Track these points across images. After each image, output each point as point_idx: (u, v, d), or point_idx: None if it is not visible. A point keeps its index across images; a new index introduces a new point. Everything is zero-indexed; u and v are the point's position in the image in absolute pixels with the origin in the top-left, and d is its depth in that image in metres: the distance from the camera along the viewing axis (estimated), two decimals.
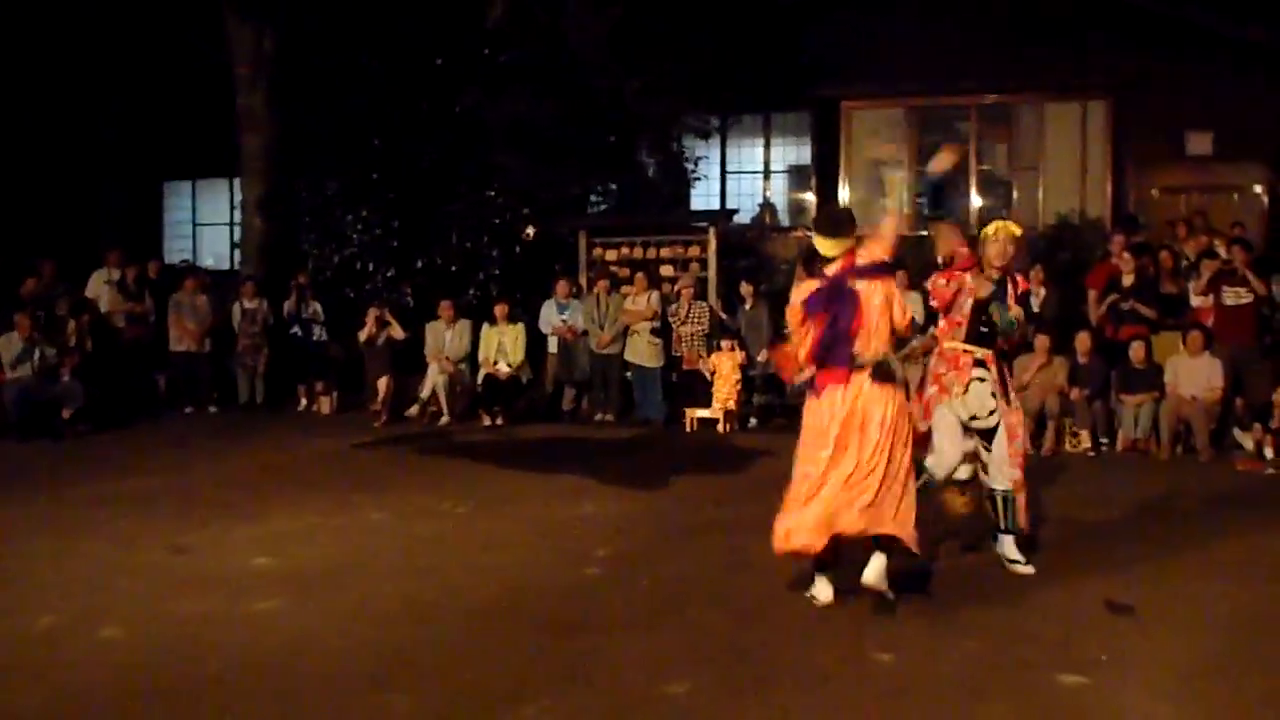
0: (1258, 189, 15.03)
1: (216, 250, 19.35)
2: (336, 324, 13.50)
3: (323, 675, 4.61)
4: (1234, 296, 10.81)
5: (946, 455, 6.04)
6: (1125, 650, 4.88)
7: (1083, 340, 10.92)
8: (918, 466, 5.69)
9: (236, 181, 16.79)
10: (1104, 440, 10.63)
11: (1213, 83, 14.75)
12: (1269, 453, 9.72)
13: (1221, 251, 11.45)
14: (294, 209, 14.92)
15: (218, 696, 4.37)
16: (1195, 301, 11.17)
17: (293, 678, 4.58)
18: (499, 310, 12.59)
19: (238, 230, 17.11)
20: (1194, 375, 10.36)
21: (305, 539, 6.95)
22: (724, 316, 12.66)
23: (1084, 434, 10.59)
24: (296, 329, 13.37)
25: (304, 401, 13.30)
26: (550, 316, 12.83)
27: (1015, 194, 15.84)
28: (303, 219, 14.71)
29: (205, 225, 19.78)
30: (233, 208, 18.15)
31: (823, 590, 5.45)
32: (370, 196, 14.19)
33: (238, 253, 17.01)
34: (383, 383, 12.26)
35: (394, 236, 14.12)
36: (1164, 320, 11.27)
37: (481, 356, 12.49)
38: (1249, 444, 10.01)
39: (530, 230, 14.36)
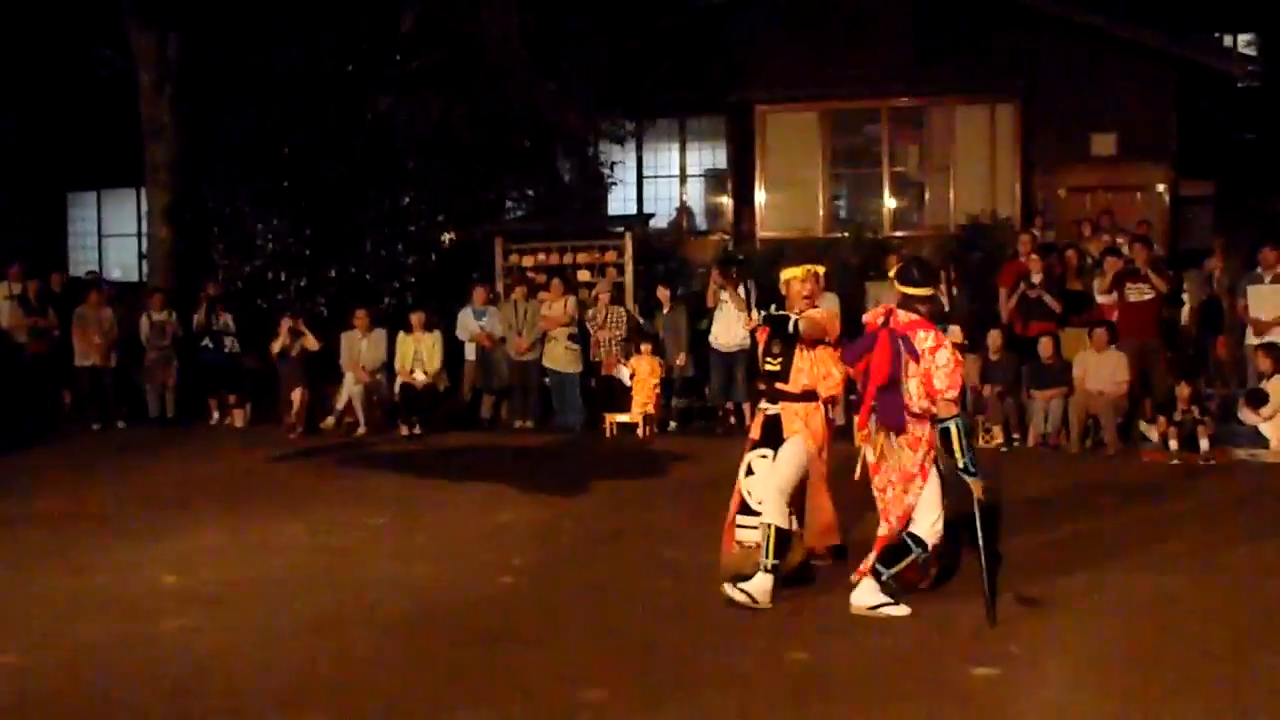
0: (1160, 188, 15.47)
1: (124, 261, 18.89)
2: (249, 336, 13.23)
3: (232, 695, 4.50)
4: (1136, 293, 11.09)
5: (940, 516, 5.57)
6: (1036, 642, 4.96)
7: (994, 338, 11.12)
8: (913, 540, 5.41)
9: (143, 191, 16.39)
10: (1015, 436, 10.84)
11: (1116, 86, 15.18)
12: (1173, 444, 9.98)
13: (1124, 250, 11.75)
14: (203, 219, 14.59)
15: None
16: (1100, 299, 11.44)
17: (200, 699, 4.46)
18: (415, 319, 12.44)
19: (145, 241, 16.70)
20: (1100, 371, 10.59)
21: (216, 556, 6.79)
22: (641, 321, 12.67)
23: (996, 429, 10.78)
24: (207, 341, 13.06)
25: (216, 415, 12.99)
26: (468, 323, 12.72)
27: (927, 195, 16.11)
28: (212, 229, 14.39)
29: (111, 236, 19.32)
30: (140, 218, 17.73)
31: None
32: (281, 205, 13.92)
33: (145, 264, 16.59)
34: (296, 394, 12.03)
35: (306, 245, 13.86)
36: (1070, 317, 11.54)
37: (398, 365, 12.33)
38: (1154, 436, 10.25)
39: (447, 237, 14.22)
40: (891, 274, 5.76)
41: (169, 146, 15.18)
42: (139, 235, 18.06)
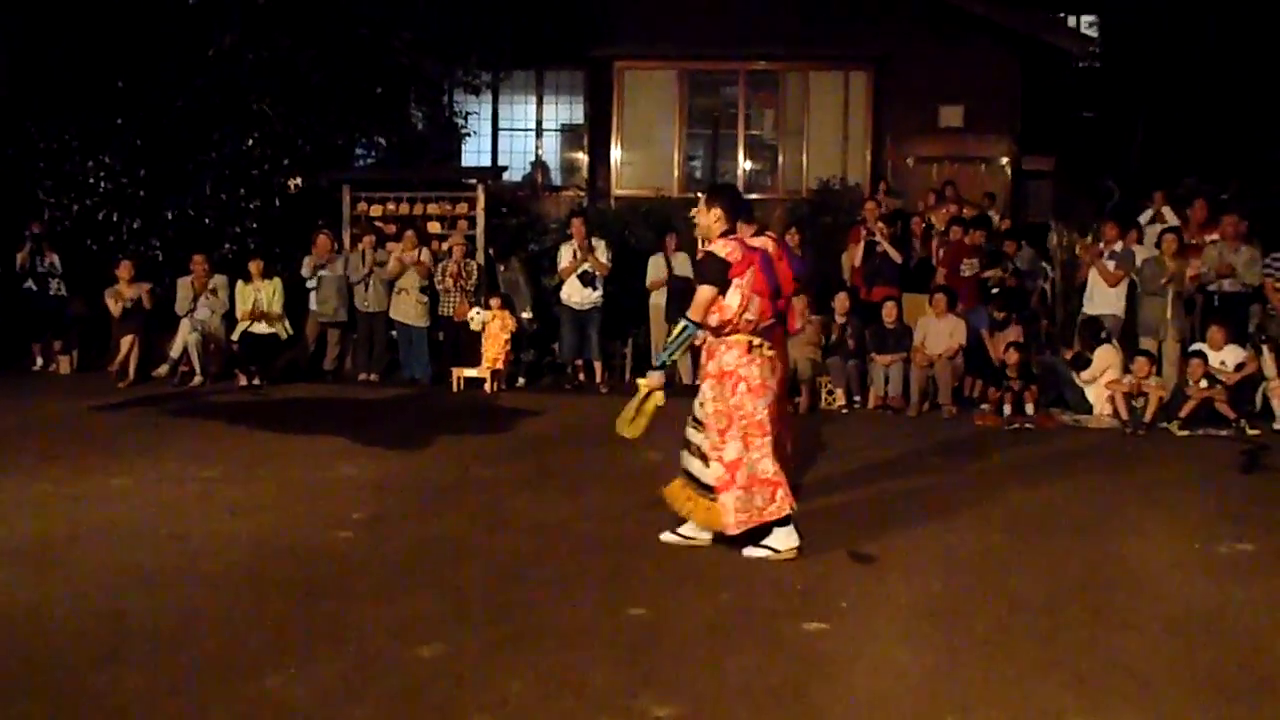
0: (1003, 161, 16.00)
1: None
2: (77, 278, 12.59)
3: (46, 653, 4.29)
4: (969, 268, 11.65)
5: None
6: (865, 597, 5.10)
7: (841, 301, 11.38)
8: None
9: None
10: (857, 398, 11.11)
11: (965, 60, 15.59)
12: (1006, 409, 10.37)
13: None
14: (27, 153, 13.76)
15: None
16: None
17: (10, 657, 4.24)
18: (254, 266, 12.03)
19: None
20: (940, 336, 10.93)
21: (34, 508, 6.47)
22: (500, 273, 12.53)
23: (839, 391, 11.03)
24: (31, 283, 12.40)
25: (40, 361, 12.38)
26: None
27: (781, 158, 16.32)
28: (37, 164, 13.59)
29: None
30: None
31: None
32: (113, 142, 13.24)
33: None
34: (126, 340, 11.51)
35: (140, 185, 13.24)
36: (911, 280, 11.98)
37: (238, 313, 11.92)
38: (989, 400, 10.65)
39: (293, 182, 13.73)
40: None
41: None
42: None
